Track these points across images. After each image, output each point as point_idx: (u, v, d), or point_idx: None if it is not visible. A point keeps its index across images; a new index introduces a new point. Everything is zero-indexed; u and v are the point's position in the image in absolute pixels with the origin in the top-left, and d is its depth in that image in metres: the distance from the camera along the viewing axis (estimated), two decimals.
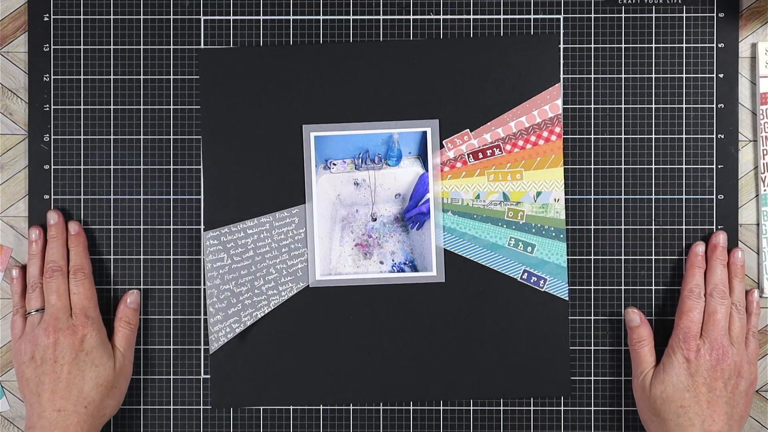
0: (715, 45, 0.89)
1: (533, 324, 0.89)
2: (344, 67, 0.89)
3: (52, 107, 0.89)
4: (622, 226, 0.89)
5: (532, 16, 0.89)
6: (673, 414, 0.82)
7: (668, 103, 0.89)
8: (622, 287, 0.89)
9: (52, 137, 0.89)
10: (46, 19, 0.89)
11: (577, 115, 0.89)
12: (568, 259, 0.89)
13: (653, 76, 0.89)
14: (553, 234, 0.89)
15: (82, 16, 0.90)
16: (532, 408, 0.89)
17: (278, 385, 0.89)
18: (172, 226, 0.90)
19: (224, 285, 0.89)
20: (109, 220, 0.90)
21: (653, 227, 0.89)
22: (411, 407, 0.90)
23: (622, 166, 0.89)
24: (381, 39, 0.89)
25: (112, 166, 0.90)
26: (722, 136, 0.89)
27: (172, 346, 0.90)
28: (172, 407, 0.90)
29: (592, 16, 0.89)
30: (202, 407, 0.90)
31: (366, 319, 0.89)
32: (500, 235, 0.89)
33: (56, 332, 0.83)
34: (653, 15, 0.89)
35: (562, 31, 0.89)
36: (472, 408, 0.89)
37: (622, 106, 0.89)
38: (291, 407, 0.90)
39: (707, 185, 0.89)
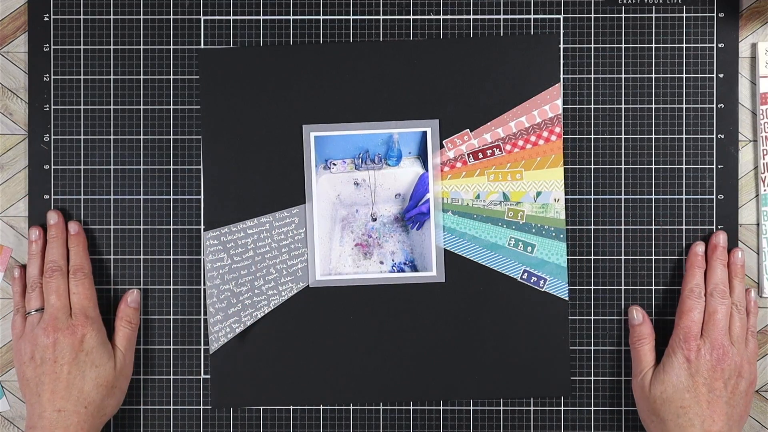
0: (715, 45, 0.89)
1: (533, 324, 0.89)
2: (344, 67, 0.89)
3: (52, 107, 0.89)
4: (622, 226, 0.89)
5: (532, 16, 0.89)
6: (673, 414, 0.82)
7: (668, 103, 0.89)
8: (622, 287, 0.89)
9: (52, 137, 0.89)
10: (46, 19, 0.89)
11: (577, 115, 0.89)
12: (568, 259, 0.89)
13: (653, 76, 0.89)
14: (553, 234, 0.89)
15: (82, 16, 0.90)
16: (532, 408, 0.89)
17: (278, 385, 0.89)
18: (172, 226, 0.90)
19: (224, 285, 0.89)
20: (109, 220, 0.90)
21: (653, 227, 0.89)
22: (411, 407, 0.90)
23: (622, 166, 0.89)
24: (381, 39, 0.89)
25: (112, 166, 0.90)
26: (722, 136, 0.89)
27: (172, 346, 0.90)
28: (172, 407, 0.90)
29: (592, 16, 0.89)
30: (202, 407, 0.90)
31: (366, 319, 0.89)
32: (500, 235, 0.89)
33: (55, 332, 0.83)
34: (653, 15, 0.89)
35: (562, 31, 0.89)
36: (472, 408, 0.89)
37: (622, 106, 0.89)
38: (291, 407, 0.90)
39: (707, 185, 0.89)
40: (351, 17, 0.89)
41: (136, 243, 0.89)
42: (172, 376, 0.90)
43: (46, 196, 0.89)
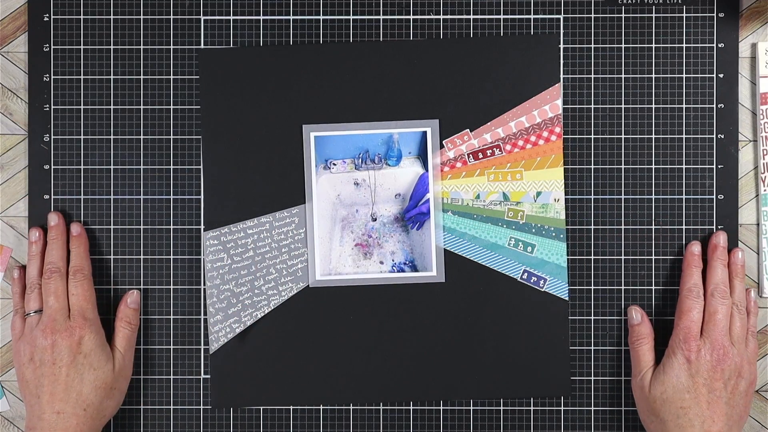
0: (715, 45, 0.89)
1: (533, 324, 0.89)
2: (344, 67, 0.89)
3: (52, 107, 0.89)
4: (622, 226, 0.89)
5: (532, 16, 0.89)
6: (673, 415, 0.82)
7: (668, 103, 0.89)
8: (622, 287, 0.89)
9: (52, 137, 0.89)
10: (46, 19, 0.89)
11: (577, 115, 0.89)
12: (568, 259, 0.89)
13: (653, 76, 0.89)
14: (553, 234, 0.89)
15: (82, 16, 0.90)
16: (532, 408, 0.89)
17: (278, 385, 0.89)
18: (172, 226, 0.90)
19: (224, 285, 0.89)
20: (109, 220, 0.90)
21: (653, 227, 0.89)
22: (411, 407, 0.90)
23: (622, 166, 0.89)
24: (381, 39, 0.89)
25: (112, 166, 0.90)
26: (722, 136, 0.89)
27: (172, 346, 0.90)
28: (172, 407, 0.90)
29: (592, 16, 0.89)
30: (202, 407, 0.90)
31: (366, 319, 0.89)
32: (500, 235, 0.89)
33: (54, 334, 0.83)
34: (653, 15, 0.89)
35: (562, 31, 0.89)
36: (472, 408, 0.89)
37: (622, 106, 0.89)
38: (291, 407, 0.90)
39: (707, 185, 0.89)
40: (351, 17, 0.89)
41: (136, 243, 0.89)
42: (172, 376, 0.90)
43: (46, 196, 0.89)
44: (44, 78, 0.89)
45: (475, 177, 0.89)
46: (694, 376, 0.82)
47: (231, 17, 0.90)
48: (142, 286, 0.90)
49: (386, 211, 0.89)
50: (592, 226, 0.89)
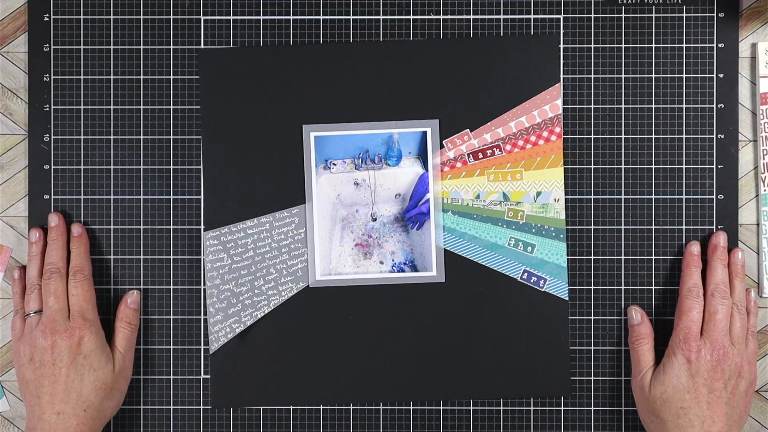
0: (715, 45, 0.89)
1: (533, 324, 0.89)
2: (344, 67, 0.89)
3: (52, 107, 0.89)
4: (622, 226, 0.89)
5: (532, 16, 0.89)
6: (673, 415, 0.82)
7: (668, 103, 0.89)
8: (622, 287, 0.89)
9: (52, 137, 0.89)
10: (46, 19, 0.89)
11: (577, 115, 0.89)
12: (568, 259, 0.89)
13: (653, 76, 0.89)
14: (553, 234, 0.89)
15: (82, 16, 0.90)
16: (532, 408, 0.89)
17: (278, 385, 0.89)
18: (172, 226, 0.90)
19: (224, 285, 0.89)
20: (109, 220, 0.90)
21: (653, 227, 0.89)
22: (411, 407, 0.90)
23: (622, 166, 0.89)
24: (381, 39, 0.89)
25: (112, 166, 0.90)
26: (722, 136, 0.89)
27: (172, 346, 0.90)
28: (172, 407, 0.90)
29: (592, 16, 0.89)
30: (202, 407, 0.90)
31: (366, 319, 0.89)
32: (500, 235, 0.89)
33: (53, 334, 0.83)
34: (653, 15, 0.89)
35: (562, 31, 0.89)
36: (472, 408, 0.90)
37: (622, 106, 0.89)
38: (291, 407, 0.90)
39: (707, 185, 0.89)
40: (351, 17, 0.89)
41: (136, 243, 0.89)
42: (172, 376, 0.90)
43: (46, 196, 0.89)
44: (44, 78, 0.89)
45: (475, 177, 0.89)
46: (694, 376, 0.82)
47: (231, 17, 0.90)
48: (142, 286, 0.90)
49: (386, 211, 0.89)
50: (592, 226, 0.89)
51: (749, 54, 0.90)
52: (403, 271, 0.89)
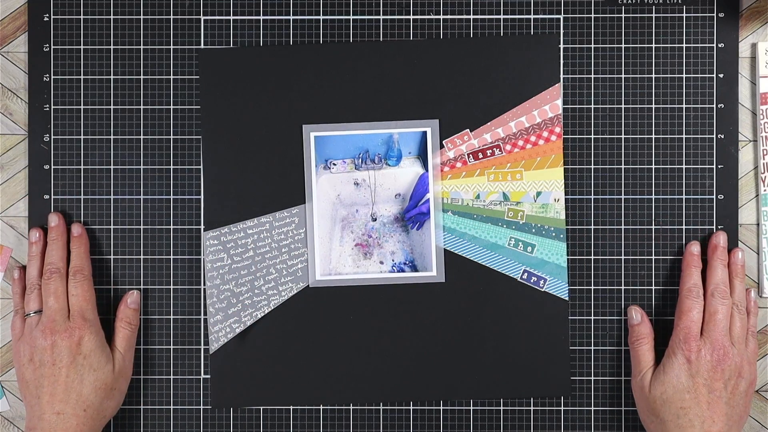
0: (715, 45, 0.89)
1: (533, 324, 0.89)
2: (344, 67, 0.89)
3: (52, 107, 0.89)
4: (622, 226, 0.89)
5: (532, 16, 0.89)
6: (673, 415, 0.82)
7: (668, 103, 0.89)
8: (622, 287, 0.89)
9: (52, 137, 0.89)
10: (46, 19, 0.89)
11: (577, 115, 0.89)
12: (568, 259, 0.89)
13: (653, 76, 0.89)
14: (553, 234, 0.89)
15: (82, 16, 0.90)
16: (532, 408, 0.89)
17: (278, 385, 0.89)
18: (172, 226, 0.90)
19: (224, 285, 0.89)
20: (109, 220, 0.90)
21: (653, 227, 0.89)
22: (411, 407, 0.90)
23: (622, 166, 0.89)
24: (381, 39, 0.89)
25: (112, 166, 0.90)
26: (722, 136, 0.89)
27: (172, 346, 0.90)
28: (172, 407, 0.90)
29: (592, 16, 0.89)
30: (202, 407, 0.90)
31: (366, 319, 0.89)
32: (500, 235, 0.89)
33: (53, 335, 0.83)
34: (653, 15, 0.89)
35: (562, 31, 0.89)
36: (472, 408, 0.90)
37: (622, 106, 0.89)
38: (291, 407, 0.90)
39: (707, 185, 0.89)
40: (351, 17, 0.89)
41: (136, 243, 0.89)
42: (172, 376, 0.90)
43: (46, 196, 0.89)
44: (44, 78, 0.89)
45: (475, 177, 0.89)
46: (694, 376, 0.82)
47: (231, 17, 0.90)
48: (142, 286, 0.90)
49: (386, 211, 0.89)
50: (592, 226, 0.89)
51: (749, 54, 0.90)
52: (403, 271, 0.89)
